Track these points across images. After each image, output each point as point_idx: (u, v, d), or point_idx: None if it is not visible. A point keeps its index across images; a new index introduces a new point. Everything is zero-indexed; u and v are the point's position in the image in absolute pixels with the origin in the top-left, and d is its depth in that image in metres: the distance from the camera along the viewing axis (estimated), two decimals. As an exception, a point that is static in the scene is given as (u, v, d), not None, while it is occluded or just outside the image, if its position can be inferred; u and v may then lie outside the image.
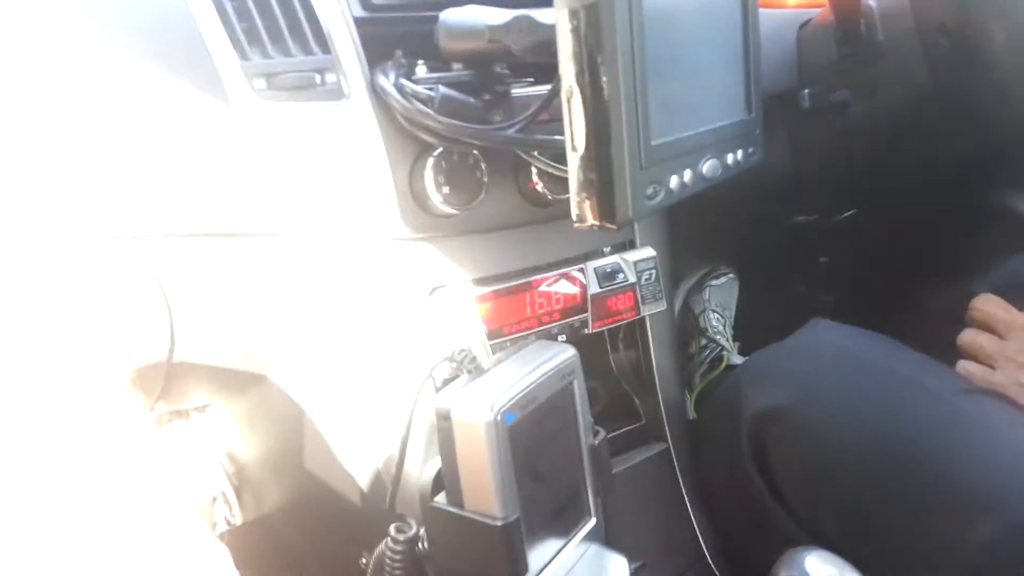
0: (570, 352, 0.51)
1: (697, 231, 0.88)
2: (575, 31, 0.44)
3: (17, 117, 0.47)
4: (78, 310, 0.49)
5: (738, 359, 1.08)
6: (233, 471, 0.70)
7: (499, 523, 0.44)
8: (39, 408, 0.31)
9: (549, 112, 0.58)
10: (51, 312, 0.47)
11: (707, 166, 0.54)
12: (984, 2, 0.62)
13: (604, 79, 0.44)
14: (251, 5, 0.55)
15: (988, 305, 0.67)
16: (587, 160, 0.45)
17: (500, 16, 0.55)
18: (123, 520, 0.28)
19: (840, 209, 0.96)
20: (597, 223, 0.46)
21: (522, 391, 0.46)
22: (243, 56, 0.54)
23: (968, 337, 0.67)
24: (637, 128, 0.45)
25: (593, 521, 0.53)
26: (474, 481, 0.45)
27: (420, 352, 0.58)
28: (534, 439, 0.48)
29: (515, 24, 0.54)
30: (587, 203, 0.46)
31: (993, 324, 0.66)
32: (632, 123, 0.44)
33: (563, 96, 0.45)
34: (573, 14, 0.44)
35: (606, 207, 0.45)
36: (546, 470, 0.49)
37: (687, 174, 0.52)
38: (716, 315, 1.11)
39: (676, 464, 0.74)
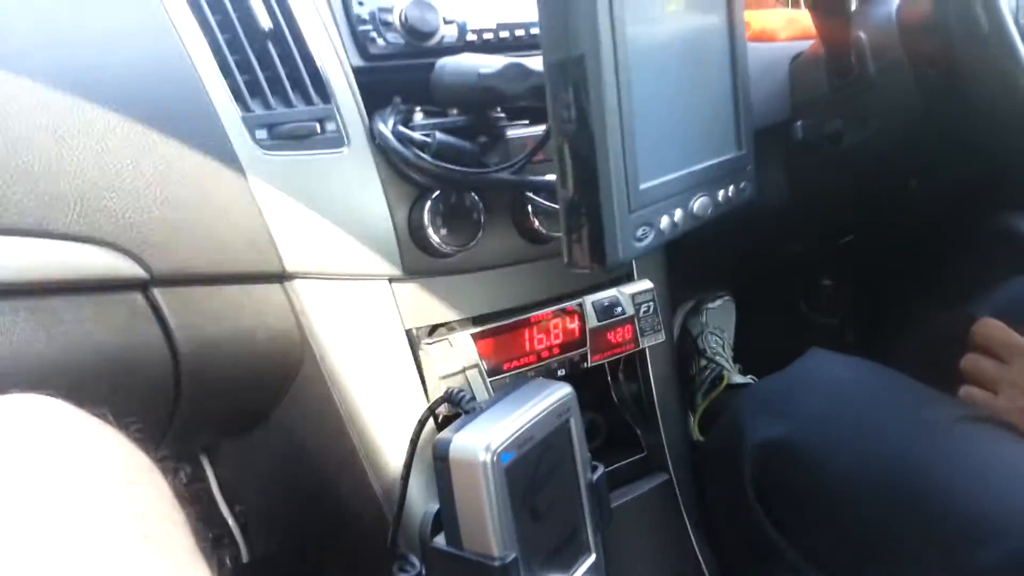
0: (566, 390, 0.52)
1: (694, 259, 0.89)
2: (563, 82, 0.45)
3: (22, 165, 0.48)
4: (82, 358, 0.50)
5: (739, 379, 1.09)
6: (238, 510, 0.71)
7: (497, 563, 0.45)
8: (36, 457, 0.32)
9: (544, 152, 0.59)
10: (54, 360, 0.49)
11: (698, 205, 0.55)
12: (968, 35, 0.63)
13: (592, 127, 0.45)
14: (252, 58, 0.57)
15: (989, 329, 0.67)
16: (577, 205, 0.46)
17: (493, 63, 0.57)
18: (126, 561, 0.28)
19: (836, 237, 0.96)
20: (588, 266, 0.47)
21: (518, 430, 0.47)
22: (245, 108, 0.56)
23: (971, 362, 0.67)
24: (625, 174, 0.46)
25: (593, 557, 0.54)
26: (472, 521, 0.46)
27: (420, 391, 0.59)
28: (531, 478, 0.48)
29: (507, 71, 0.56)
30: (577, 246, 0.47)
31: (995, 348, 0.66)
32: (620, 169, 0.46)
33: (553, 143, 0.47)
34: (560, 65, 0.45)
35: (596, 250, 0.46)
36: (544, 508, 0.50)
37: (678, 213, 0.53)
38: (715, 336, 1.12)
39: (679, 495, 0.74)
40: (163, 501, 0.34)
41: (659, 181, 0.50)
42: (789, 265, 1.09)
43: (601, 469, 0.55)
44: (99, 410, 0.37)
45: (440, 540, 0.48)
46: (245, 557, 0.75)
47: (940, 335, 0.87)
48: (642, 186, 0.48)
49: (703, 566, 0.73)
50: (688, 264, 0.82)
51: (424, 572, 0.51)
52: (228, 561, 0.75)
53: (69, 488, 0.31)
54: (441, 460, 0.46)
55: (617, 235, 0.46)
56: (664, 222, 0.51)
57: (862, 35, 0.74)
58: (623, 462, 0.74)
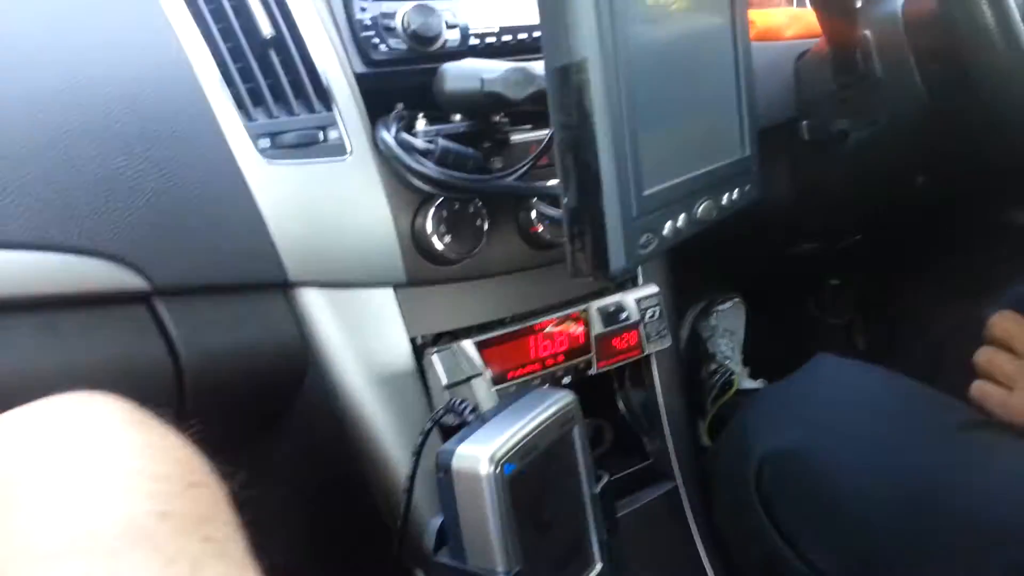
0: (569, 398, 0.52)
1: (701, 261, 0.88)
2: (564, 87, 0.45)
3: (23, 178, 0.48)
4: (85, 371, 0.50)
5: (749, 383, 1.07)
6: (243, 523, 0.71)
7: (502, 577, 0.44)
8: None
9: (548, 156, 0.59)
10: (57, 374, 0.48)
11: (702, 209, 0.54)
12: (973, 31, 0.62)
13: (594, 133, 0.44)
14: (254, 66, 0.57)
15: (1007, 322, 0.65)
16: (579, 213, 0.46)
17: (496, 68, 0.56)
18: (187, 561, 0.28)
19: (844, 236, 0.95)
20: (591, 274, 0.47)
21: (521, 441, 0.47)
22: (247, 117, 0.55)
23: (985, 356, 0.65)
24: (628, 180, 0.46)
25: (599, 567, 0.53)
26: (475, 534, 0.45)
27: (424, 401, 0.59)
28: (535, 489, 0.48)
29: (510, 76, 0.56)
30: (580, 254, 0.46)
31: (1012, 343, 0.64)
32: (623, 176, 0.45)
33: (555, 150, 0.46)
34: (562, 71, 0.45)
35: (599, 258, 0.46)
36: (549, 519, 0.49)
37: (681, 219, 0.52)
38: (724, 340, 1.11)
39: (685, 503, 0.73)
40: (222, 504, 0.33)
41: (663, 186, 0.49)
42: (796, 266, 1.08)
43: (606, 478, 0.55)
44: (163, 410, 0.36)
45: (444, 554, 0.47)
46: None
47: (950, 332, 0.86)
48: (645, 192, 0.47)
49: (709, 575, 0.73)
50: (697, 266, 0.81)
51: (429, 584, 0.51)
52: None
53: (130, 487, 0.31)
54: (444, 472, 0.46)
55: (621, 243, 0.45)
56: (667, 228, 0.50)
57: (868, 33, 0.74)
58: (629, 470, 0.73)
